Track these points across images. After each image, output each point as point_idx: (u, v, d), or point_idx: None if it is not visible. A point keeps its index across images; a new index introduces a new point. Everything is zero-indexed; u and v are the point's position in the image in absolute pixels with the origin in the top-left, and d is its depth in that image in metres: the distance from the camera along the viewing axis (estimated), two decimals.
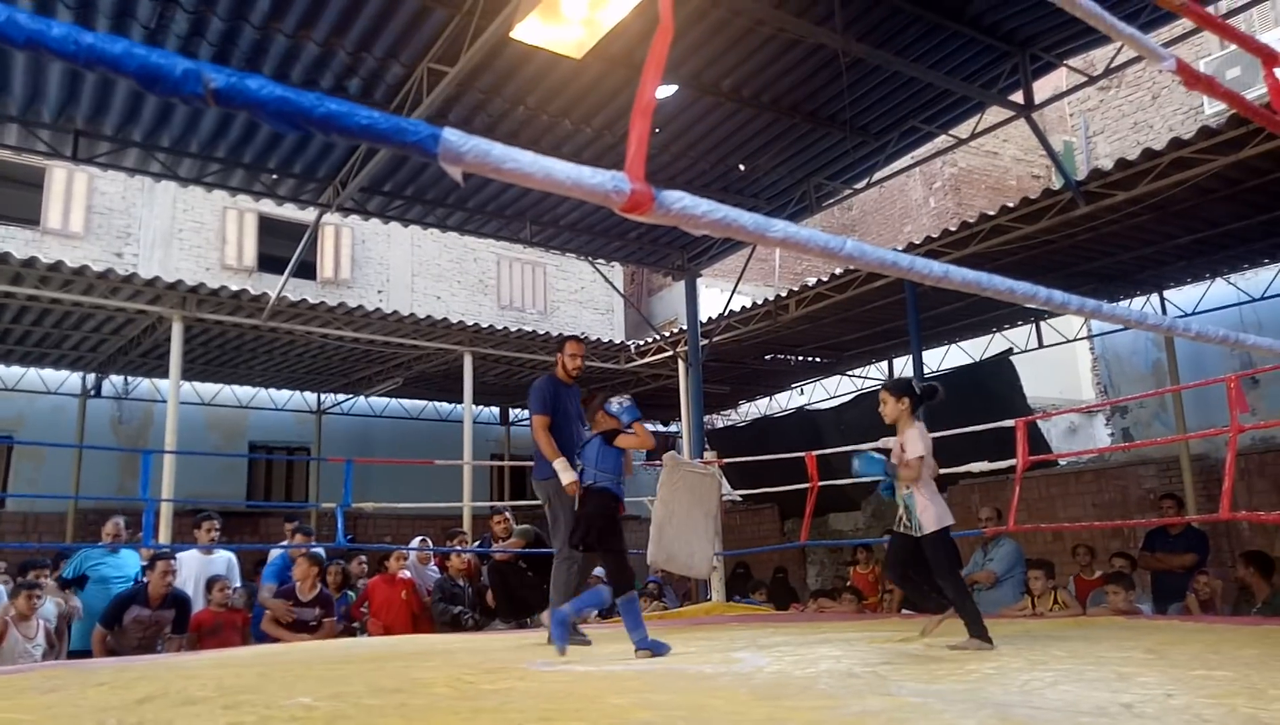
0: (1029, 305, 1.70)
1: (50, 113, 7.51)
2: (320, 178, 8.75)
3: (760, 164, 9.08)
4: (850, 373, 14.42)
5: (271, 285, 10.56)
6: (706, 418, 14.59)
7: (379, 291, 16.18)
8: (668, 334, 12.59)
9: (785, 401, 16.14)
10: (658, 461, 7.08)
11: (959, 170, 17.49)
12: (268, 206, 12.69)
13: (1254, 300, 9.99)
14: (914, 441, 4.11)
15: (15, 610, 6.21)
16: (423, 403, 15.35)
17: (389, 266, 16.66)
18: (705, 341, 11.37)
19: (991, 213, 8.50)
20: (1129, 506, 10.51)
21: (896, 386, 4.31)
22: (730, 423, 17.25)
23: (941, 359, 12.81)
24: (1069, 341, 12.00)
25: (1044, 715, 2.22)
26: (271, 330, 10.51)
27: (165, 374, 9.99)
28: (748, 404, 16.75)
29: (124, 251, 14.18)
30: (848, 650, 4.06)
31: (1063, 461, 11.59)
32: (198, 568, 7.04)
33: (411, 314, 11.23)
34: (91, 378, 12.74)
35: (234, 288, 9.96)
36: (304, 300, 10.36)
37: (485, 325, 11.72)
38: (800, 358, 13.50)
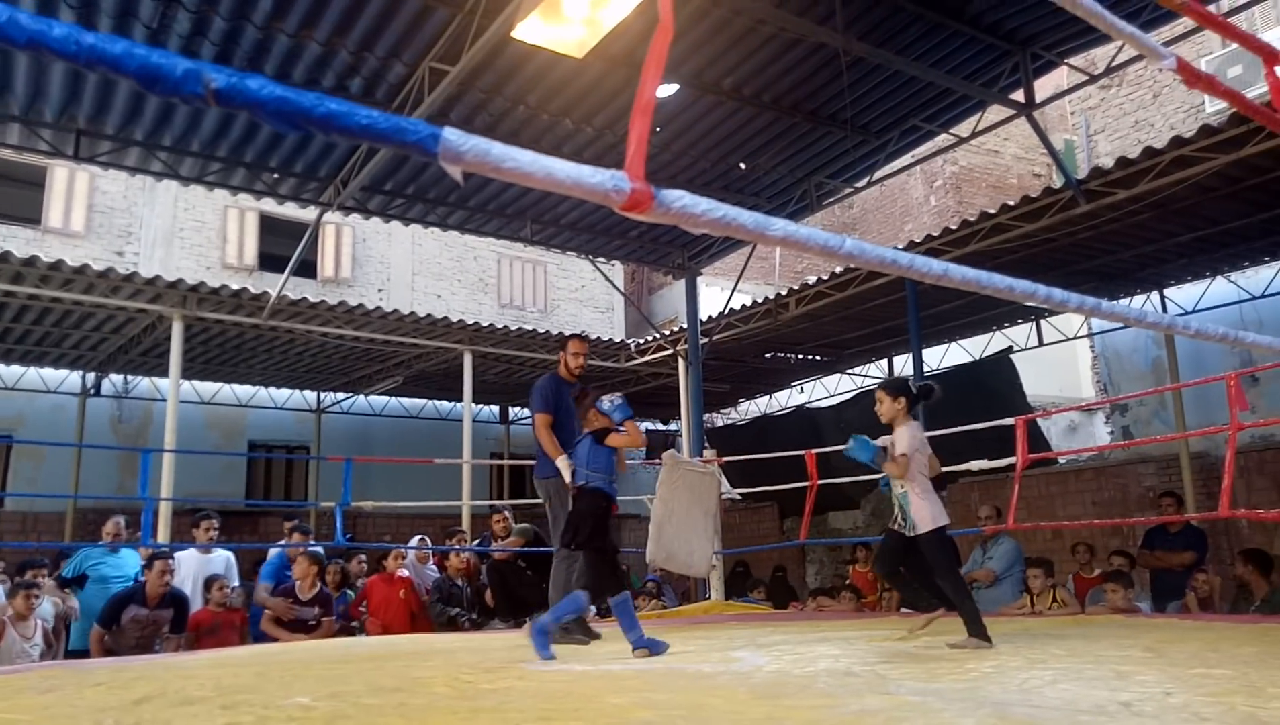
0: (1029, 303, 1.70)
1: (52, 112, 7.51)
2: (321, 177, 8.76)
3: (761, 162, 9.08)
4: (850, 371, 14.43)
5: (272, 284, 10.56)
6: (706, 416, 14.60)
7: (379, 290, 16.18)
8: (668, 332, 12.59)
9: (785, 400, 16.15)
10: (657, 460, 7.08)
11: (960, 169, 17.49)
12: (269, 205, 12.70)
13: (1254, 298, 9.99)
14: (903, 439, 4.13)
15: (13, 610, 6.21)
16: (422, 401, 15.35)
17: (389, 265, 16.66)
18: (705, 340, 11.37)
19: (992, 211, 8.50)
20: (1128, 504, 10.52)
21: (893, 386, 4.32)
22: (730, 421, 17.25)
23: (942, 357, 12.81)
24: (1069, 339, 12.01)
25: (1043, 714, 2.23)
26: (272, 329, 10.51)
27: (165, 373, 9.99)
28: (747, 402, 16.75)
29: (125, 250, 14.18)
30: (847, 649, 4.06)
31: (1062, 459, 11.59)
32: (196, 567, 7.03)
33: (412, 313, 11.24)
34: (91, 377, 12.74)
35: (234, 286, 9.96)
36: (304, 299, 10.36)
37: (485, 324, 11.72)
38: (800, 356, 13.50)
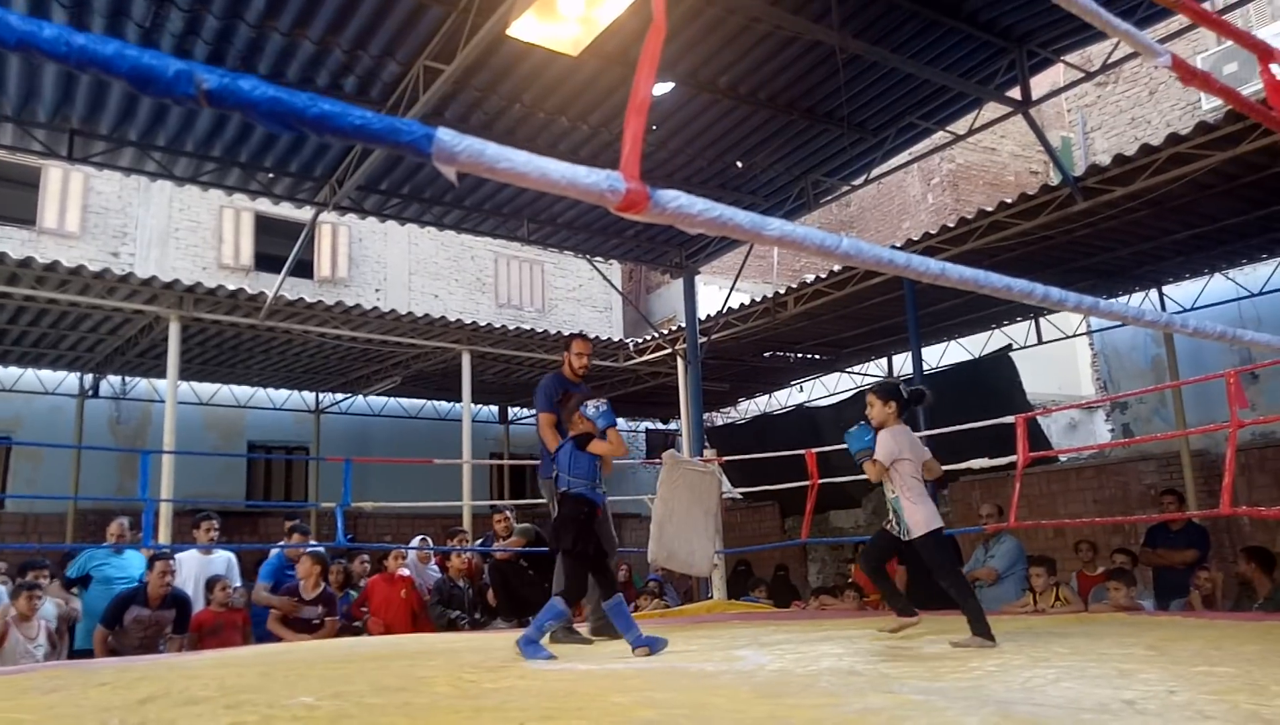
0: (1027, 303, 1.70)
1: (45, 112, 7.50)
2: (317, 176, 8.74)
3: (757, 161, 9.08)
4: (849, 370, 14.43)
5: (268, 284, 10.55)
6: (706, 415, 14.59)
7: (376, 290, 16.16)
8: (666, 331, 12.58)
9: (785, 399, 16.15)
10: (657, 459, 7.07)
11: (957, 166, 17.49)
12: (264, 205, 12.68)
13: (1252, 295, 9.99)
14: (881, 445, 4.14)
15: (16, 611, 6.21)
16: (421, 401, 15.34)
17: (386, 265, 16.65)
18: (704, 339, 11.37)
19: (990, 209, 8.50)
20: (1130, 502, 10.52)
21: (884, 390, 4.32)
22: (730, 420, 17.25)
23: (941, 355, 12.81)
24: (1068, 337, 12.02)
25: (1046, 712, 2.22)
26: (269, 329, 10.50)
27: (163, 374, 9.99)
28: (747, 401, 16.75)
29: (120, 251, 14.16)
30: (849, 648, 4.06)
31: (1063, 458, 11.59)
32: (197, 568, 7.04)
33: (409, 312, 11.23)
34: (89, 378, 12.73)
35: (231, 287, 9.94)
36: (301, 299, 10.35)
37: (483, 323, 11.71)
38: (799, 355, 13.50)
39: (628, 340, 13.43)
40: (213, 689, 3.12)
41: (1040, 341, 11.90)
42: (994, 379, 11.47)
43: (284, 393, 14.39)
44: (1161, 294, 10.57)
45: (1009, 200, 8.33)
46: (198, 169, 8.43)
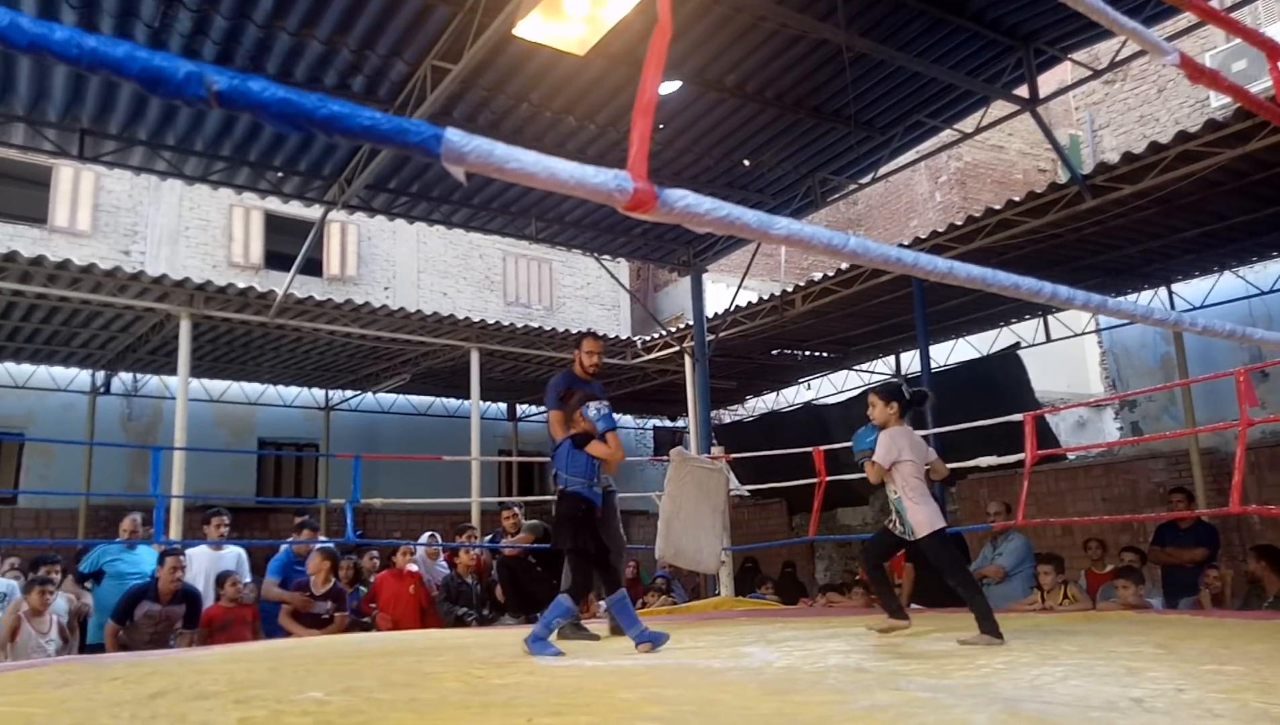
0: (1035, 301, 1.70)
1: (56, 112, 7.54)
2: (325, 175, 8.77)
3: (764, 159, 9.07)
4: (857, 367, 14.40)
5: (278, 282, 10.59)
6: (713, 413, 14.59)
7: (385, 288, 16.21)
8: (674, 329, 12.59)
9: (792, 396, 16.13)
10: (665, 457, 7.08)
11: (964, 164, 17.43)
12: (274, 204, 12.73)
13: (1262, 293, 9.94)
14: (880, 446, 4.15)
15: (29, 605, 6.26)
16: (430, 399, 15.38)
17: (395, 263, 16.69)
18: (712, 337, 11.37)
19: (997, 207, 8.47)
20: (1138, 501, 10.48)
21: (885, 391, 4.33)
22: (737, 418, 17.25)
23: (949, 353, 12.78)
24: (1077, 335, 11.97)
25: (1054, 710, 2.22)
26: (279, 327, 10.54)
27: (174, 371, 10.03)
28: (755, 399, 16.74)
29: (131, 249, 14.24)
30: (857, 645, 4.06)
31: (1071, 456, 11.55)
32: (208, 563, 7.08)
33: (418, 310, 11.26)
34: (101, 375, 12.81)
35: (241, 285, 9.99)
36: (311, 297, 10.38)
37: (491, 321, 11.74)
38: (807, 353, 13.48)
39: (635, 338, 13.43)
40: (223, 684, 3.15)
41: (1049, 339, 11.86)
42: (1002, 377, 11.44)
43: (294, 390, 14.45)
44: (1171, 292, 10.52)
45: (1017, 198, 8.30)
46: (207, 168, 8.47)
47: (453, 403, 15.53)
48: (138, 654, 5.31)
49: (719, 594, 9.08)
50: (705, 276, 11.62)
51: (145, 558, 6.88)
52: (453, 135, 0.96)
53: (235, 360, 12.36)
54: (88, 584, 6.97)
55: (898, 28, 7.00)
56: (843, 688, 2.73)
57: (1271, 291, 9.85)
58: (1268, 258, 9.81)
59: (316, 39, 6.71)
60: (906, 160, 9.49)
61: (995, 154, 17.84)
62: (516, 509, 7.91)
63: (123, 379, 13.16)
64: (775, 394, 16.23)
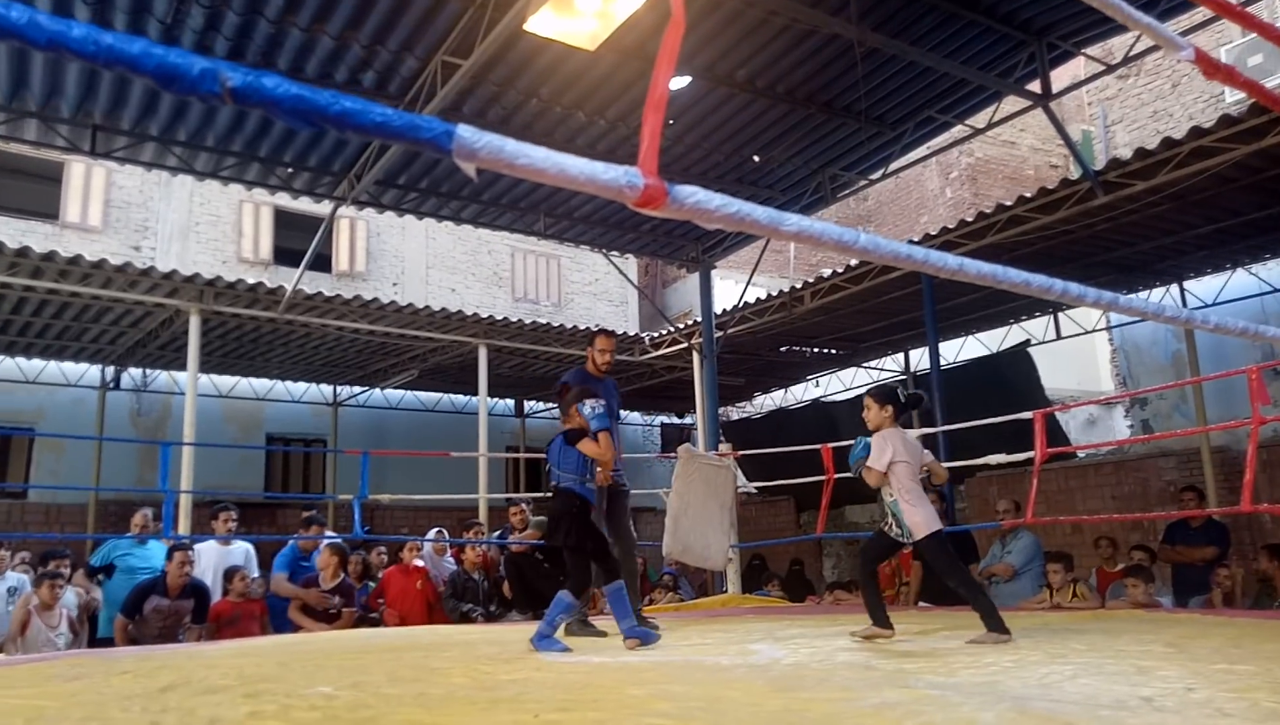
0: (1046, 297, 1.69)
1: (68, 108, 7.57)
2: (335, 171, 8.79)
3: (775, 155, 9.05)
4: (866, 364, 14.37)
5: (287, 278, 10.63)
6: (721, 409, 14.59)
7: (394, 284, 16.24)
8: (682, 326, 12.58)
9: (801, 393, 16.12)
10: (673, 453, 7.08)
11: (976, 160, 17.36)
12: (283, 200, 12.78)
13: (1276, 290, 9.88)
14: (875, 448, 4.15)
15: (39, 599, 6.31)
16: (438, 395, 15.42)
17: (404, 259, 16.72)
18: (720, 333, 11.36)
19: (1009, 203, 8.44)
20: (1149, 499, 10.44)
21: (881, 394, 4.31)
22: (745, 415, 17.24)
23: (959, 350, 12.75)
24: (1087, 332, 11.92)
25: (1063, 708, 2.21)
26: (288, 323, 10.58)
27: (183, 366, 10.08)
28: (763, 396, 16.72)
29: (142, 245, 14.30)
30: (865, 642, 4.06)
31: (1081, 453, 11.51)
32: (216, 558, 7.11)
33: (426, 306, 11.28)
34: (110, 370, 12.88)
35: (250, 281, 10.02)
36: (320, 293, 10.41)
37: (500, 318, 11.75)
38: (816, 349, 13.46)
39: (644, 334, 13.43)
40: (232, 678, 3.16)
41: (1059, 337, 11.81)
42: (1012, 374, 11.41)
43: (302, 386, 14.50)
44: (1183, 289, 10.46)
45: (1028, 194, 8.26)
46: (218, 164, 8.50)
47: (460, 399, 15.56)
48: (147, 648, 5.34)
49: (726, 591, 9.07)
50: (714, 273, 11.61)
51: (156, 553, 6.92)
52: (464, 131, 0.96)
53: (244, 356, 12.40)
54: (99, 578, 7.01)
55: (910, 22, 6.97)
56: (851, 685, 2.73)
57: None
58: None
59: (328, 34, 6.72)
60: (917, 156, 9.47)
61: (1007, 150, 17.77)
62: (524, 505, 7.92)
63: (132, 374, 13.23)
64: (784, 391, 16.21)
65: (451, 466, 13.09)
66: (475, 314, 11.52)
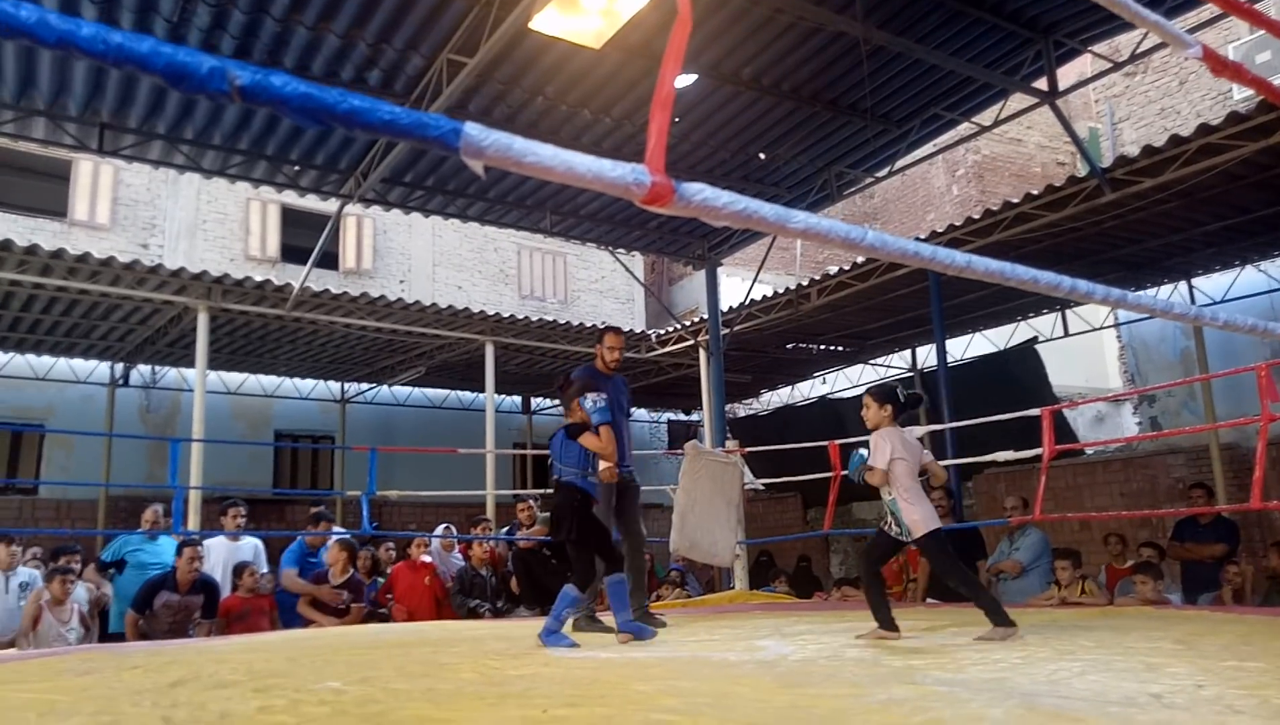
0: (1054, 295, 1.69)
1: (76, 106, 7.60)
2: (342, 169, 8.81)
3: (780, 153, 9.03)
4: (873, 361, 14.35)
5: (295, 276, 10.65)
6: (728, 406, 14.57)
7: (401, 281, 16.27)
8: (689, 323, 12.57)
9: (807, 390, 16.10)
10: (680, 450, 7.09)
11: (982, 157, 17.31)
12: (290, 198, 12.79)
13: None
14: (874, 447, 4.14)
15: (50, 594, 6.35)
16: (445, 392, 15.44)
17: (410, 257, 16.74)
18: (726, 330, 11.35)
19: (1016, 200, 8.40)
20: (1157, 496, 10.40)
21: (881, 393, 4.31)
22: (752, 412, 17.23)
23: (966, 347, 12.72)
24: (1095, 330, 11.87)
25: (1071, 705, 2.21)
26: (295, 320, 10.60)
27: (192, 363, 10.11)
28: (769, 393, 16.71)
29: (149, 243, 14.35)
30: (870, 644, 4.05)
31: (1089, 451, 11.47)
32: (225, 554, 7.15)
33: (433, 304, 11.29)
34: (120, 367, 12.92)
35: (258, 278, 10.04)
36: (327, 290, 10.43)
37: (506, 315, 11.77)
38: (822, 346, 13.44)
39: (650, 332, 13.43)
40: (241, 673, 3.18)
41: (1067, 334, 11.77)
42: (1020, 371, 11.37)
43: (310, 382, 14.54)
44: (1191, 286, 10.42)
45: (1035, 192, 8.23)
46: (225, 161, 8.52)
47: (468, 396, 15.59)
48: (157, 643, 5.37)
49: (734, 587, 9.08)
50: (720, 270, 11.60)
51: (166, 548, 6.96)
52: (472, 129, 0.96)
53: (252, 353, 12.44)
54: (110, 572, 7.05)
55: (916, 20, 6.95)
56: (858, 681, 2.73)
57: None
58: None
59: (333, 33, 6.73)
60: (923, 153, 9.44)
61: (1013, 147, 17.70)
62: (532, 501, 7.94)
63: (141, 371, 13.28)
64: (790, 388, 16.19)
65: (459, 463, 13.14)
66: (482, 311, 11.53)
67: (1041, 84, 7.62)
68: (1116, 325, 11.94)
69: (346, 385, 14.78)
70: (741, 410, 17.28)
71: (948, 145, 9.59)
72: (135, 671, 3.34)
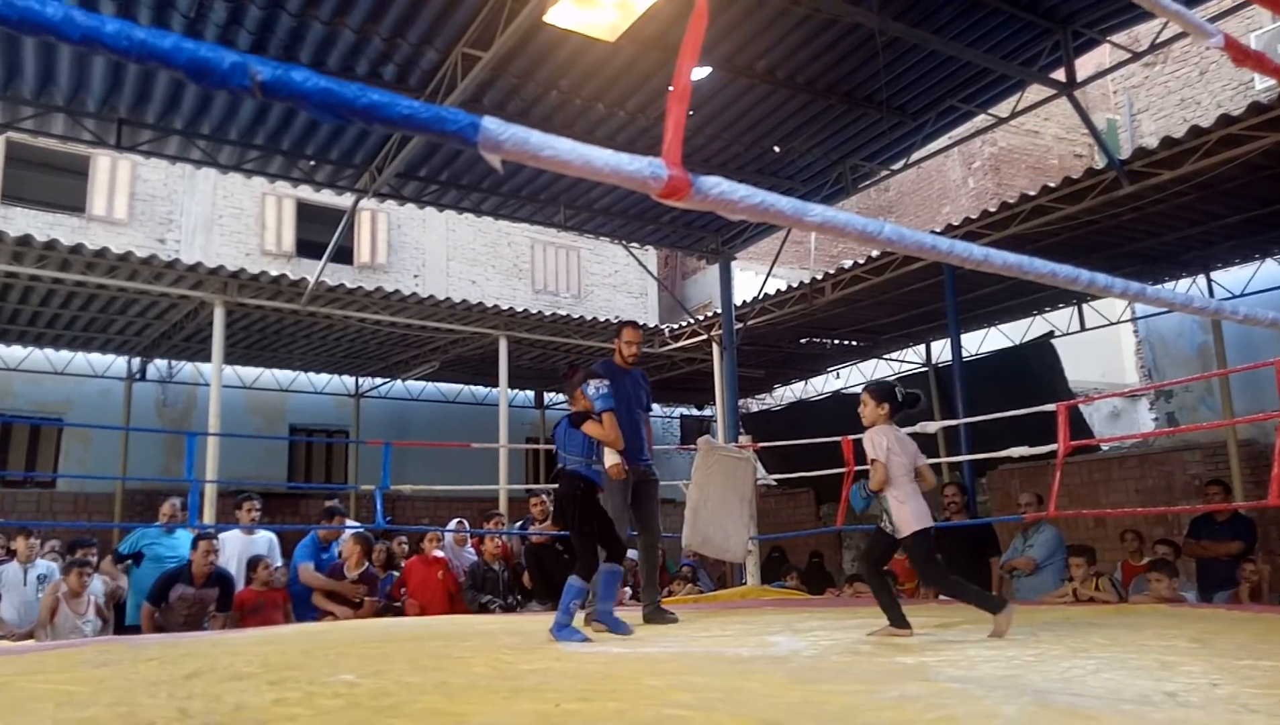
0: (1071, 289, 1.68)
1: (95, 102, 7.65)
2: (357, 164, 8.84)
3: (795, 146, 9.00)
4: (887, 356, 14.30)
5: (310, 270, 10.70)
6: (741, 401, 14.56)
7: (415, 276, 16.32)
8: (702, 317, 12.56)
9: (821, 385, 16.06)
10: (692, 445, 7.09)
11: (999, 150, 17.19)
12: (305, 192, 12.84)
13: None
14: (871, 442, 4.14)
15: (67, 587, 6.41)
16: (459, 386, 15.49)
17: (425, 251, 16.79)
18: (740, 325, 11.33)
19: (1032, 193, 8.35)
20: (1174, 492, 10.32)
21: (879, 391, 4.30)
22: (765, 407, 17.20)
23: (981, 342, 12.65)
24: (1112, 324, 11.78)
25: (1085, 702, 2.20)
26: (310, 315, 10.66)
27: (208, 358, 10.18)
28: (783, 388, 16.68)
29: (166, 237, 14.45)
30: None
31: (1105, 447, 11.40)
32: (240, 547, 7.20)
33: (447, 298, 11.33)
34: (137, 362, 13.03)
35: (273, 273, 10.11)
36: (342, 285, 10.48)
37: (520, 309, 11.79)
38: (836, 341, 13.40)
39: (663, 326, 13.42)
40: (256, 665, 3.21)
41: (1083, 328, 11.68)
42: (1035, 366, 11.30)
43: (325, 377, 14.62)
44: (1210, 280, 10.32)
45: (1052, 184, 8.18)
46: (241, 157, 8.56)
47: (481, 390, 15.64)
48: (173, 635, 5.42)
49: (746, 583, 9.08)
50: (734, 264, 11.57)
51: (182, 542, 7.02)
52: (489, 123, 0.96)
53: (267, 347, 12.52)
54: (128, 562, 7.11)
55: (932, 11, 6.90)
56: (871, 677, 2.72)
57: None
58: None
59: (349, 27, 6.75)
60: (939, 146, 9.38)
61: (1030, 139, 17.57)
62: (544, 496, 7.96)
63: (158, 366, 13.38)
64: (804, 383, 16.15)
65: (472, 457, 13.19)
66: (495, 306, 11.56)
67: (1059, 75, 7.55)
68: (1134, 320, 11.84)
69: (361, 380, 14.85)
70: (754, 405, 17.25)
71: (964, 137, 9.52)
72: (151, 663, 3.37)
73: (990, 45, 7.36)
